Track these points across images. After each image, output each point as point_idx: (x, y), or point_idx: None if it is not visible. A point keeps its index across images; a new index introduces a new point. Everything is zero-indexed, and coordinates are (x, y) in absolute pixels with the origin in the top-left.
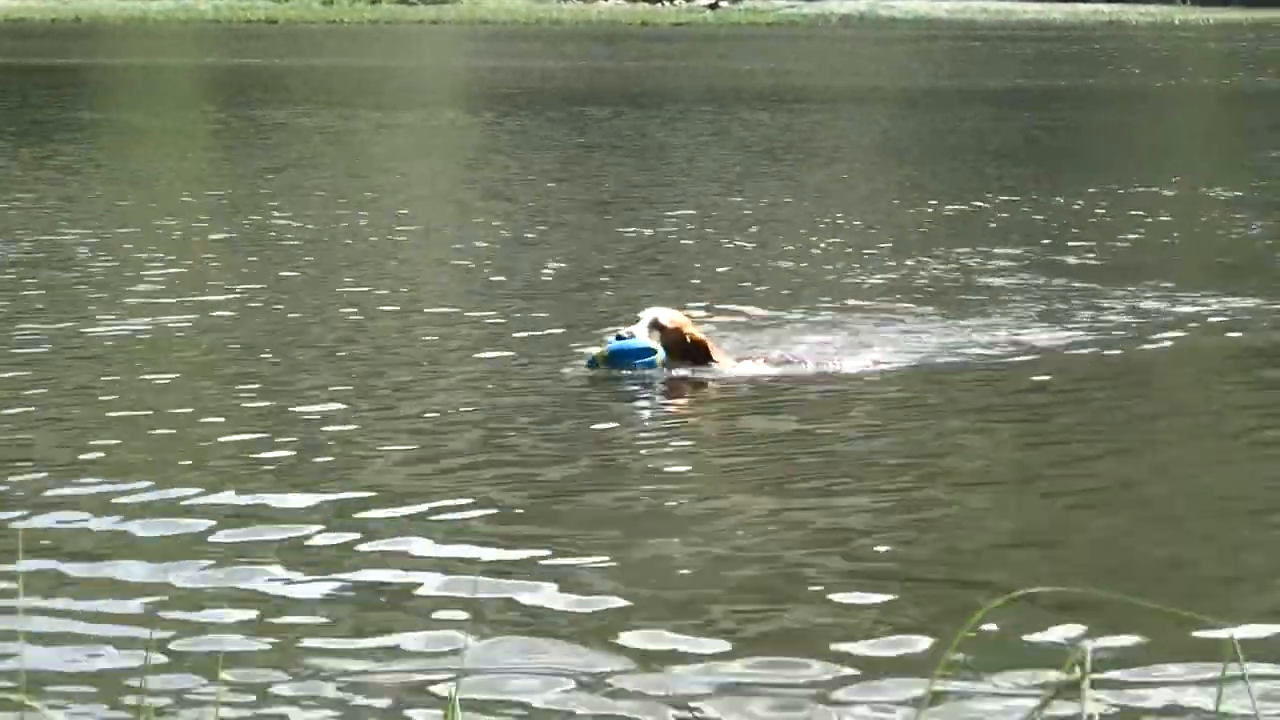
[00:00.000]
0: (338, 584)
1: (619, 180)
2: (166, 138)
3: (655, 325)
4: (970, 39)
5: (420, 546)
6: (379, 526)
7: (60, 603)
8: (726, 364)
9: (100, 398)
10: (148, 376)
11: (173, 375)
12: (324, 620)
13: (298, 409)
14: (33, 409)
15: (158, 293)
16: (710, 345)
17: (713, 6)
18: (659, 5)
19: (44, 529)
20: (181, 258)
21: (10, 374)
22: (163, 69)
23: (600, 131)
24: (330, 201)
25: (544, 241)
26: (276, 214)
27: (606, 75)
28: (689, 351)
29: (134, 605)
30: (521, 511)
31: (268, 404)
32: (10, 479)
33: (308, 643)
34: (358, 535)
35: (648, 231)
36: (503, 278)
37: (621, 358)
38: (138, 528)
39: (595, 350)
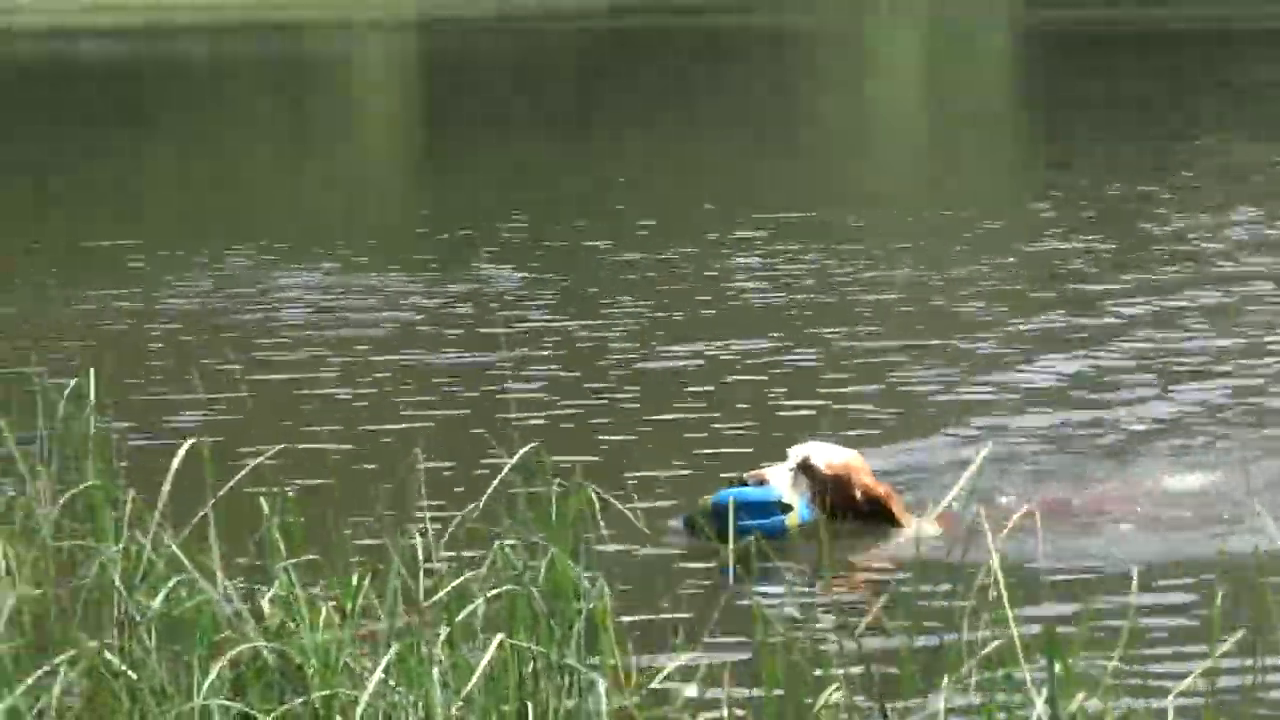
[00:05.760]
0: None
1: None
2: None
3: (805, 468)
4: None
5: None
6: None
7: None
8: (917, 529)
9: None
10: None
11: None
12: None
13: None
14: None
15: None
16: (894, 503)
17: None
18: None
19: None
20: None
21: None
22: None
23: None
24: None
25: None
26: None
27: None
28: (860, 512)
29: None
30: None
31: None
32: None
33: None
34: None
35: None
36: None
37: (732, 515)
38: None
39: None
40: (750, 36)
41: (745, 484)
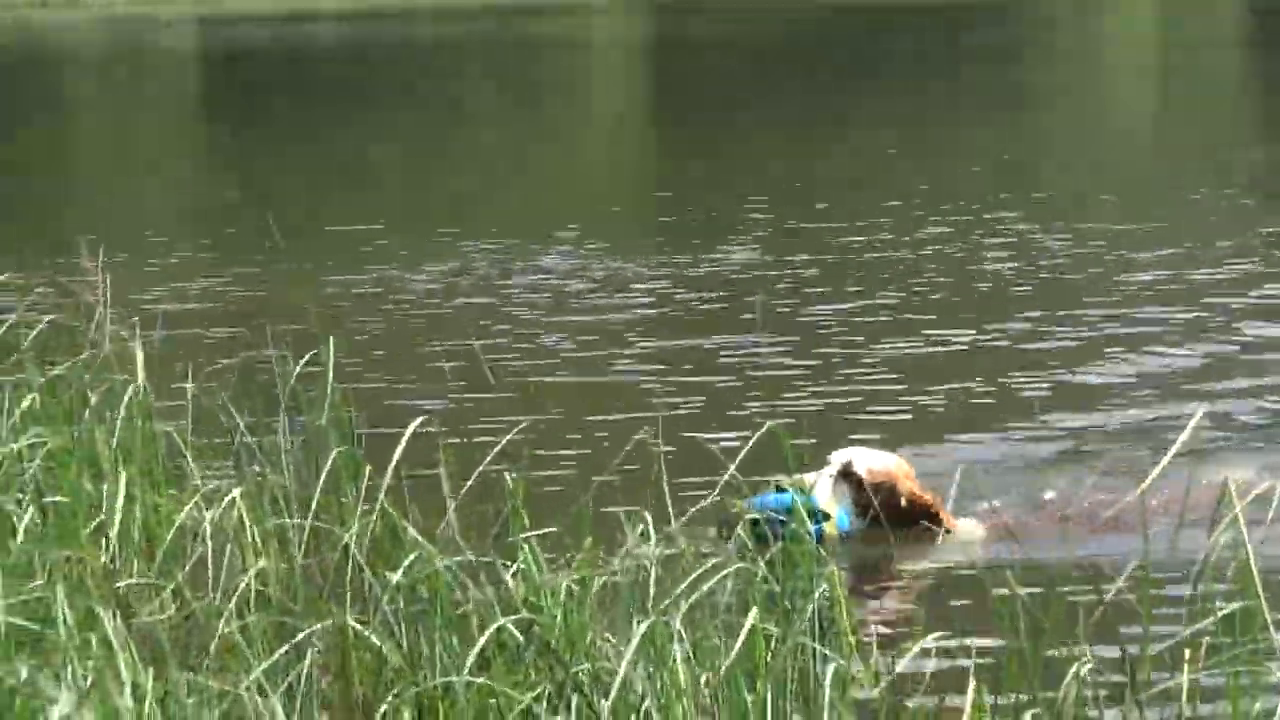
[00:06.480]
0: None
1: None
2: None
3: (847, 474)
4: None
5: None
6: None
7: None
8: (968, 534)
9: None
10: None
11: None
12: None
13: None
14: None
15: None
16: (941, 509)
17: None
18: None
19: None
20: None
21: None
22: None
23: None
24: None
25: None
26: None
27: None
28: (905, 518)
29: None
30: None
31: None
32: None
33: None
34: None
35: None
36: None
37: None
38: None
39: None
40: (982, 14)
41: (782, 490)
